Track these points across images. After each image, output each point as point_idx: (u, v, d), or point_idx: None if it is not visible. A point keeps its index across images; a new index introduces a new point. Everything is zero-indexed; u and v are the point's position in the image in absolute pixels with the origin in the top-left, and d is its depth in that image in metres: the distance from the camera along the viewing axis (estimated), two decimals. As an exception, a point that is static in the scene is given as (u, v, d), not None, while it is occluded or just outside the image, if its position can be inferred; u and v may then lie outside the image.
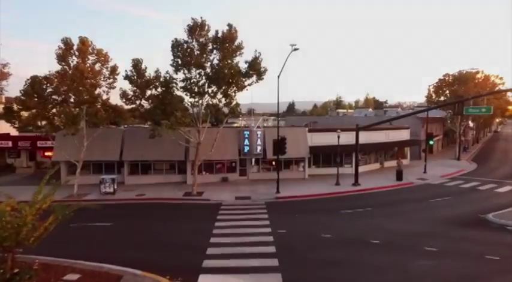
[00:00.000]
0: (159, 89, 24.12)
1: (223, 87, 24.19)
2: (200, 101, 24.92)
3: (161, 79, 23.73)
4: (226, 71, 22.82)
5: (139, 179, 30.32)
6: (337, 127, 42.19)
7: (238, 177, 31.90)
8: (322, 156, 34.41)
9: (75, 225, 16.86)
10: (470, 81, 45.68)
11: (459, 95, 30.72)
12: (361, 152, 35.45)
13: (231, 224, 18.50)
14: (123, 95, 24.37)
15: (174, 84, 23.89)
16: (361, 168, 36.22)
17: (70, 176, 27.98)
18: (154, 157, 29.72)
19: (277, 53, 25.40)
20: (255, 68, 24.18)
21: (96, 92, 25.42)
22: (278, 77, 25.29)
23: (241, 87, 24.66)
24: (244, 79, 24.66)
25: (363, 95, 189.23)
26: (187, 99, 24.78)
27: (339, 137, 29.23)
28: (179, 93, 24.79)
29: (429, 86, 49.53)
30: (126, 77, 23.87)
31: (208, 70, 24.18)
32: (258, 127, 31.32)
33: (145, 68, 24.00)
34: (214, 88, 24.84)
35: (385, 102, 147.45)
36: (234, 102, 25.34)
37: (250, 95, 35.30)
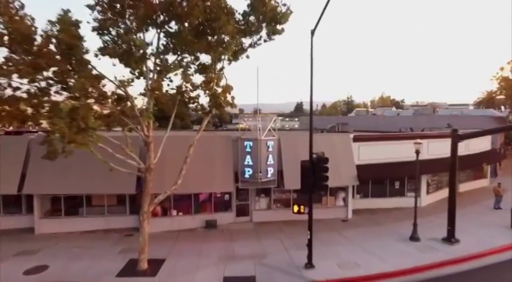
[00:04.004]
0: (58, 56, 10.90)
1: (196, 48, 10.82)
2: (144, 79, 11.49)
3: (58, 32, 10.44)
4: (198, 9, 9.56)
5: (63, 224, 17.37)
6: (378, 130, 29.54)
7: (235, 218, 18.78)
8: (372, 180, 21.28)
9: None
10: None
11: None
12: (430, 172, 22.41)
13: None
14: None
15: (80, 39, 10.54)
16: (430, 197, 23.29)
17: None
18: (84, 189, 16.65)
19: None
20: (267, 9, 10.96)
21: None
22: (312, 33, 12.17)
23: (234, 50, 11.29)
24: (242, 35, 11.46)
25: (374, 95, 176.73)
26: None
27: (418, 151, 16.01)
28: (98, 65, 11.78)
29: (495, 75, 39.96)
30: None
31: (161, 18, 11.06)
32: (270, 132, 18.01)
33: (23, 6, 10.86)
34: (180, 56, 11.76)
35: (402, 101, 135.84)
36: (222, 84, 11.97)
37: (254, 92, 22.63)
